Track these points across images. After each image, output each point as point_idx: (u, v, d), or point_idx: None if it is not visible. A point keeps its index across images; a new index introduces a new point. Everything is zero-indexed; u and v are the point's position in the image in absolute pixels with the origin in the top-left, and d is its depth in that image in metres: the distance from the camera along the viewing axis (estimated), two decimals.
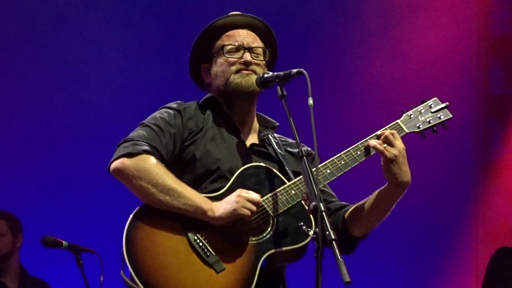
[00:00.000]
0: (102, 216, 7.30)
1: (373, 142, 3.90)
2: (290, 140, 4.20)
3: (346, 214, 4.01)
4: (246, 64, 4.03)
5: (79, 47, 7.78)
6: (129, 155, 3.80)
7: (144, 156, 3.81)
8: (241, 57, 4.04)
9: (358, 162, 3.94)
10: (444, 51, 8.18)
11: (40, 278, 7.08)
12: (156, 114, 4.02)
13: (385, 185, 3.92)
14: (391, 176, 3.87)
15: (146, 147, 3.83)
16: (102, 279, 5.92)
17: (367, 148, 3.93)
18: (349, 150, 3.95)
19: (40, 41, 7.74)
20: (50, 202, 7.56)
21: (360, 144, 3.95)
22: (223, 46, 4.07)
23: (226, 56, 4.05)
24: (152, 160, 3.81)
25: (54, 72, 7.76)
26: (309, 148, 3.75)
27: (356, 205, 4.03)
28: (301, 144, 3.74)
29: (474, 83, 8.39)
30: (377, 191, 3.96)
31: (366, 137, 3.97)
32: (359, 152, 3.94)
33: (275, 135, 4.19)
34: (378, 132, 3.95)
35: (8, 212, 7.05)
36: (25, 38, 7.73)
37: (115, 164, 3.82)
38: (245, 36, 4.10)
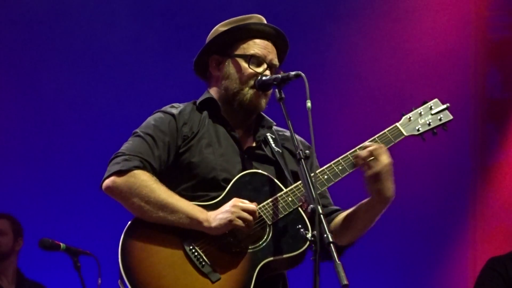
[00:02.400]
0: (100, 219, 7.29)
1: (357, 157, 3.84)
2: (288, 134, 4.10)
3: (332, 224, 3.98)
4: None
5: (79, 48, 7.77)
6: (120, 172, 3.79)
7: (135, 172, 3.79)
8: (261, 73, 3.96)
9: (355, 168, 3.90)
10: (441, 55, 8.18)
11: (37, 281, 7.07)
12: (150, 121, 3.97)
13: (368, 198, 3.89)
14: (373, 191, 3.84)
15: (137, 163, 3.81)
16: (99, 281, 5.92)
17: None
18: (347, 155, 3.91)
19: (40, 41, 7.73)
20: (48, 205, 7.56)
21: (358, 148, 3.91)
22: (252, 55, 3.97)
23: (251, 67, 3.98)
24: (143, 176, 3.79)
25: (54, 73, 7.75)
26: (307, 151, 3.71)
27: (341, 215, 4.00)
28: (299, 144, 3.73)
29: (472, 87, 8.39)
30: (360, 203, 3.93)
31: (364, 140, 3.94)
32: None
33: (274, 128, 4.14)
34: (366, 143, 3.89)
35: (12, 215, 7.06)
36: (25, 36, 7.73)
37: (106, 183, 3.82)
38: (270, 51, 4.02)
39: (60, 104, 7.74)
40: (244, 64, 3.98)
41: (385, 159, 3.82)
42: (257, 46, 4.01)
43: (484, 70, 8.41)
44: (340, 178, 3.89)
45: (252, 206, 3.75)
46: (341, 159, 3.91)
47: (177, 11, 7.88)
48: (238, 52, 4.01)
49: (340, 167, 3.89)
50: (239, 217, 3.71)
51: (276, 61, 4.03)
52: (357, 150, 3.89)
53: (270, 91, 4.00)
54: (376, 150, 3.83)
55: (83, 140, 7.66)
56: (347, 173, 3.89)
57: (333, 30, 8.05)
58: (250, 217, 3.72)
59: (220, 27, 4.09)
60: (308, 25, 7.96)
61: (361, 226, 3.93)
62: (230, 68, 4.01)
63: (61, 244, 5.93)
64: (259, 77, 3.93)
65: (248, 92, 3.96)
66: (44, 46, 7.73)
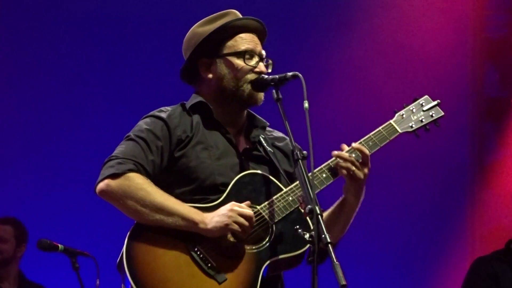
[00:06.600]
0: (98, 220, 7.28)
1: (343, 165, 3.86)
2: (276, 133, 4.14)
3: None
4: (262, 74, 3.94)
5: (79, 48, 7.76)
6: (114, 176, 3.75)
7: (129, 175, 3.76)
8: (256, 66, 3.95)
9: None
10: (440, 54, 8.19)
11: (39, 282, 7.06)
12: (142, 124, 3.92)
13: (341, 199, 3.93)
14: (352, 193, 3.89)
15: (131, 166, 3.77)
16: (98, 282, 5.91)
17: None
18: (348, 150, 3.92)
19: (40, 41, 7.73)
20: (46, 206, 7.54)
21: (348, 151, 3.90)
22: (245, 51, 3.95)
23: (246, 62, 3.94)
24: (137, 179, 3.76)
25: (54, 74, 7.74)
26: (304, 152, 3.68)
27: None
28: (296, 146, 3.73)
29: (470, 85, 8.40)
30: (336, 205, 3.96)
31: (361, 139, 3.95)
32: (354, 155, 3.91)
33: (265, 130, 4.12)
34: (356, 145, 3.91)
35: (19, 220, 7.04)
36: (24, 36, 7.73)
37: (100, 186, 3.78)
38: (256, 42, 4.00)
39: (59, 105, 7.73)
40: (237, 61, 3.95)
41: (368, 167, 3.89)
42: (245, 41, 3.98)
43: (482, 68, 8.42)
44: (339, 176, 3.89)
45: (249, 211, 3.73)
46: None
47: (174, 11, 7.88)
48: (228, 50, 3.97)
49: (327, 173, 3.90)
50: (236, 222, 3.69)
51: (263, 51, 4.01)
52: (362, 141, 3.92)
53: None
54: (364, 159, 3.87)
55: (81, 141, 7.65)
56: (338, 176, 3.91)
57: (330, 29, 8.05)
58: (246, 223, 3.70)
59: (197, 28, 4.04)
60: (305, 25, 7.96)
61: (339, 228, 3.95)
62: (223, 68, 3.96)
63: (59, 245, 5.92)
64: (257, 78, 3.90)
65: (247, 87, 3.93)
66: (44, 47, 7.73)
